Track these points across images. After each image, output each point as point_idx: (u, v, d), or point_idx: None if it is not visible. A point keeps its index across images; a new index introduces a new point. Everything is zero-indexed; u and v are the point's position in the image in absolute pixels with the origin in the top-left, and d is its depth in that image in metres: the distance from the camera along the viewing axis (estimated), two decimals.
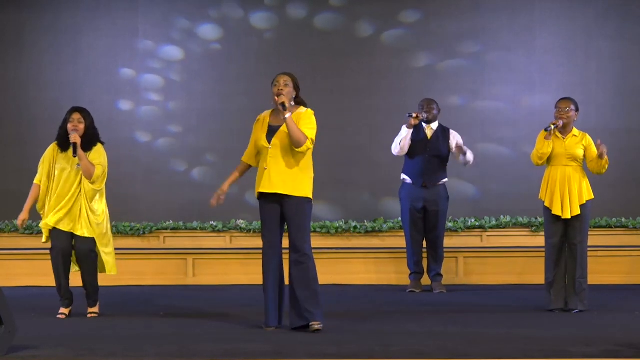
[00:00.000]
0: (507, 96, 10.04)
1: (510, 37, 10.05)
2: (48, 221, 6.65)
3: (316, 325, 5.73)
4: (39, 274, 8.62)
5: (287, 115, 5.76)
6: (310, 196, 5.92)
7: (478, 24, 10.05)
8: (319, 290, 5.84)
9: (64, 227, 6.63)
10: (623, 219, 9.64)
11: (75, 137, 6.49)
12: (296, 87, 5.94)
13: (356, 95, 9.94)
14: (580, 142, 6.83)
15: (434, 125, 8.21)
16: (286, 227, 5.93)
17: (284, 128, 5.82)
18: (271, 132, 5.87)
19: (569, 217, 6.70)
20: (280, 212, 5.89)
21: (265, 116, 5.99)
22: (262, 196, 5.91)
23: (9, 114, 10.05)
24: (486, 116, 10.02)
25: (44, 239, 6.83)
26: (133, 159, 9.82)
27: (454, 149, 8.18)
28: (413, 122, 7.97)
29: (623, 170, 9.72)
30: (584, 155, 6.86)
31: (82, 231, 6.60)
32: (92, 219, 6.62)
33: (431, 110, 8.18)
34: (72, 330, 5.93)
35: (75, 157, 6.51)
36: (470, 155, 8.18)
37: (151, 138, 10.11)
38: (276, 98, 5.82)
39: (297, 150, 5.78)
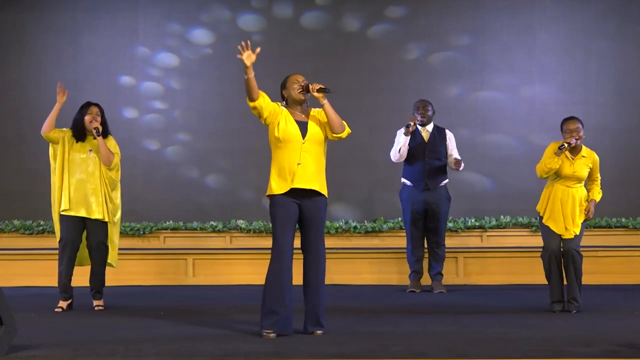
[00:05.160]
0: (507, 95, 10.04)
1: (510, 37, 10.05)
2: (64, 207, 6.84)
3: (321, 332, 5.67)
4: (39, 274, 8.63)
5: (325, 102, 5.58)
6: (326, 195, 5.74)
7: (478, 24, 10.06)
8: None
9: (78, 211, 6.83)
10: (623, 219, 9.64)
11: (96, 124, 6.87)
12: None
13: (356, 95, 9.94)
14: (587, 164, 6.75)
15: (429, 127, 8.20)
16: (299, 227, 5.70)
17: (311, 124, 5.63)
18: (302, 127, 5.62)
19: (572, 236, 6.69)
20: (297, 212, 5.63)
21: (284, 109, 5.68)
22: (286, 193, 5.59)
23: (9, 114, 10.06)
24: (486, 115, 10.04)
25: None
26: (133, 158, 9.83)
27: (450, 153, 8.15)
28: (411, 129, 7.99)
29: (623, 170, 9.73)
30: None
31: (98, 215, 6.85)
32: (110, 206, 6.91)
33: (426, 112, 8.16)
34: (72, 330, 5.93)
35: (98, 136, 6.82)
36: (461, 166, 8.16)
37: (151, 138, 10.11)
38: (312, 85, 5.58)
39: (337, 135, 5.61)
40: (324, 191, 5.69)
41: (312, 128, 5.64)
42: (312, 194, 5.63)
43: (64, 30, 10.12)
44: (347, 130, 5.69)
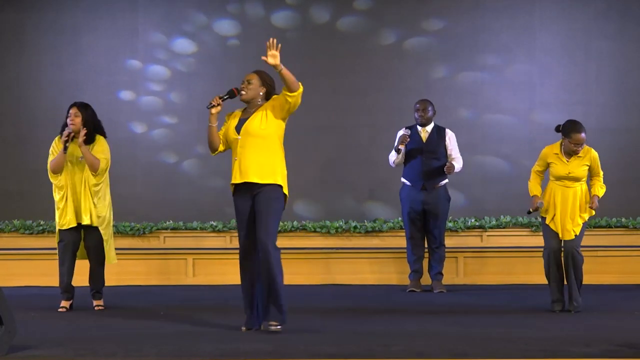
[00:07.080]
0: (506, 95, 10.03)
1: (510, 37, 10.05)
2: (62, 222, 6.83)
3: (274, 326, 5.66)
4: (39, 274, 8.64)
5: (281, 68, 5.57)
6: (283, 185, 5.72)
7: (478, 24, 10.05)
8: (282, 288, 5.68)
9: (72, 222, 6.81)
10: (623, 219, 9.62)
11: (66, 134, 6.72)
12: (264, 84, 5.82)
13: (356, 95, 9.93)
14: (584, 163, 6.70)
15: (429, 128, 8.19)
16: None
17: (252, 118, 5.75)
18: (241, 123, 5.79)
19: (572, 237, 6.66)
20: (251, 208, 5.72)
21: (238, 112, 5.91)
22: (236, 191, 5.76)
23: (9, 114, 10.05)
24: (486, 118, 10.03)
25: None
26: (133, 158, 9.82)
27: (450, 153, 8.15)
28: (401, 147, 8.03)
29: (623, 170, 9.71)
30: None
31: (88, 220, 6.80)
32: (94, 211, 6.81)
33: (426, 114, 8.15)
34: (72, 330, 5.93)
35: (64, 153, 6.71)
36: (458, 167, 8.15)
37: (152, 138, 10.10)
38: (214, 100, 5.83)
39: (291, 94, 5.60)
40: (268, 180, 5.68)
41: (250, 122, 5.76)
42: (262, 186, 5.69)
43: (64, 30, 10.11)
44: (299, 90, 5.65)
